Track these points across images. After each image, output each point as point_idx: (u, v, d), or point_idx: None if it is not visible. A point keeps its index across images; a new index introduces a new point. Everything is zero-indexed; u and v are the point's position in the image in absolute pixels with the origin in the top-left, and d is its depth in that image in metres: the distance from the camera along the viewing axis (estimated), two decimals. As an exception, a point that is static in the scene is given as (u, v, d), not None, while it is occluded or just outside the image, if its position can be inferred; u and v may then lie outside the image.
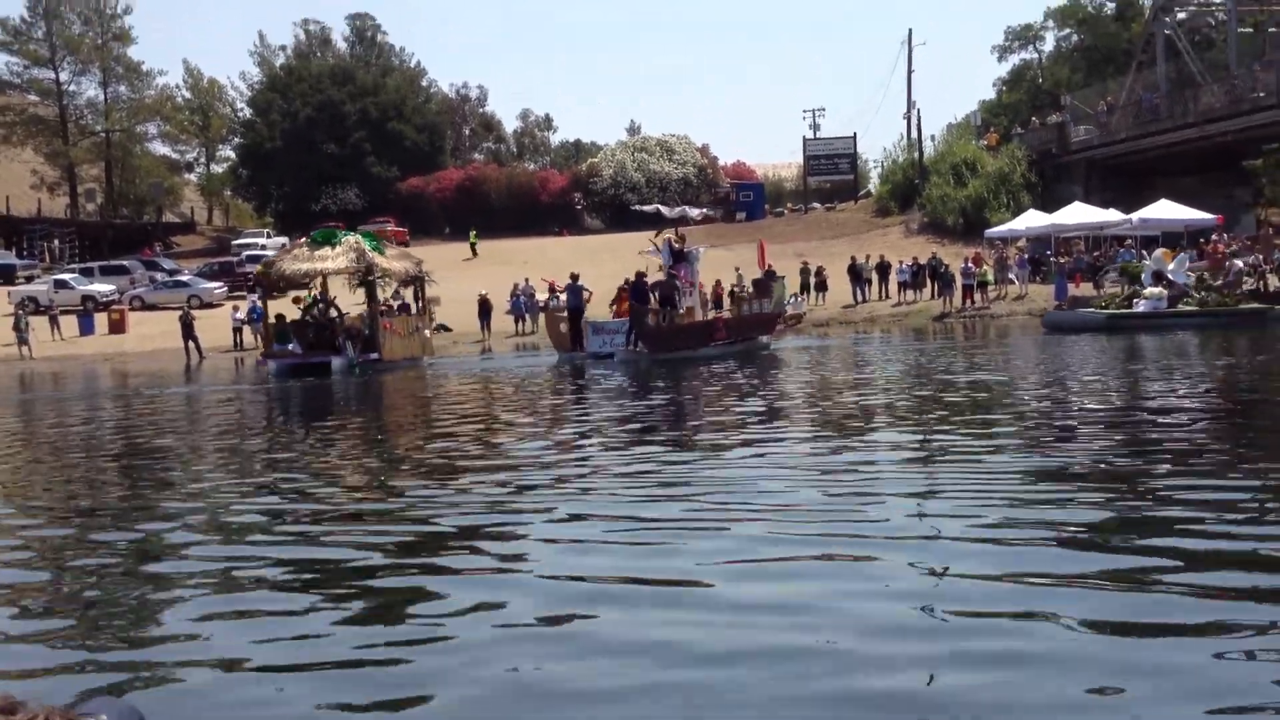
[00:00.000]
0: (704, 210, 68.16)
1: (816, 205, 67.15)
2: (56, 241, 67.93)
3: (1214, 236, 39.94)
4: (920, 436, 11.23)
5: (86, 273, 54.79)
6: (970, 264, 40.77)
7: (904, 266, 43.17)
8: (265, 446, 13.69)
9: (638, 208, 66.87)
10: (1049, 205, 47.02)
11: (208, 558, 7.10)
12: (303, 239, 31.21)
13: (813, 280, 43.86)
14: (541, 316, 36.98)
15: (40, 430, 16.91)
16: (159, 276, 55.23)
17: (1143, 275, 32.32)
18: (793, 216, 66.09)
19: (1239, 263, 33.64)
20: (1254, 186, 44.77)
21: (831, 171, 69.25)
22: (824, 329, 38.30)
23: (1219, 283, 31.95)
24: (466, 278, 47.05)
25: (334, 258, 28.65)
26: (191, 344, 38.09)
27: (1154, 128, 49.39)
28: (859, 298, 43.44)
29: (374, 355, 28.46)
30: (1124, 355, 21.24)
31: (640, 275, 27.68)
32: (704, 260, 30.63)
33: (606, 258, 44.46)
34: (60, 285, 50.72)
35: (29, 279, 55.89)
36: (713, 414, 14.91)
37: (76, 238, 69.96)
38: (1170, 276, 31.22)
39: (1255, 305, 30.53)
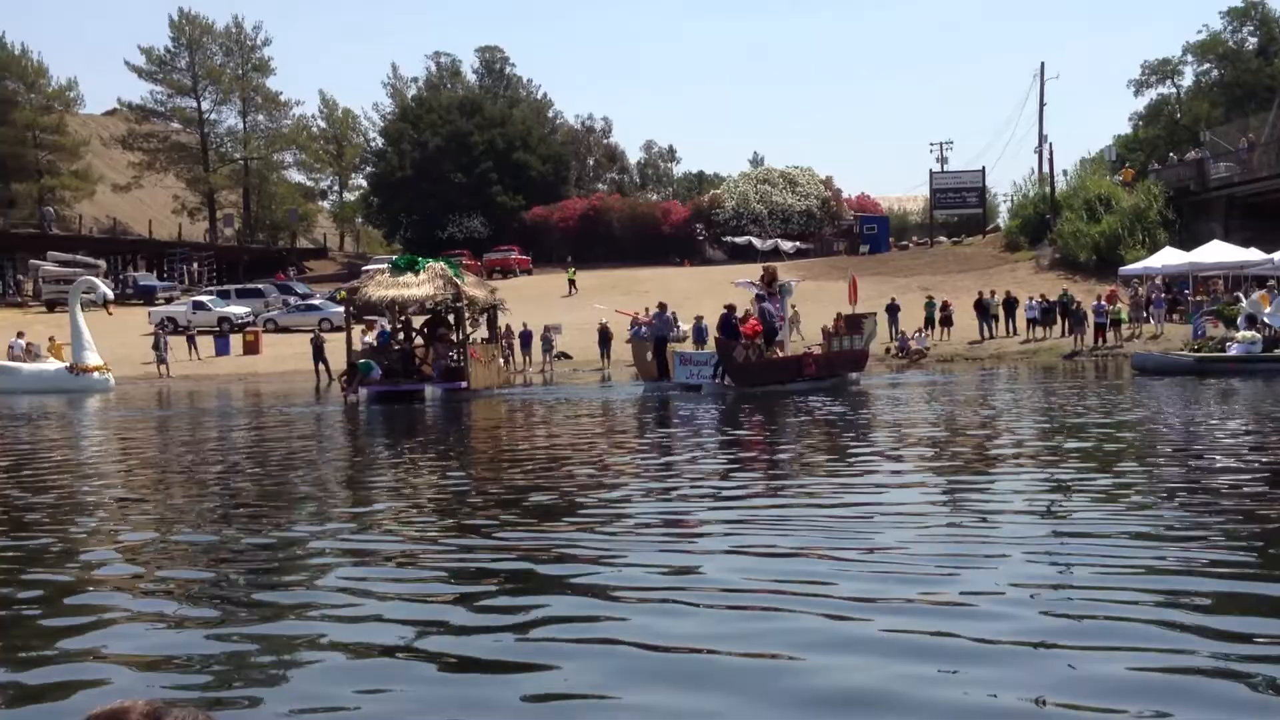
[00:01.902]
0: (797, 244, 67.60)
1: (943, 239, 66.13)
2: (195, 264, 70.43)
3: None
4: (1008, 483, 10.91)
5: (223, 295, 56.66)
6: (1104, 301, 39.67)
7: (1032, 303, 42.18)
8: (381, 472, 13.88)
9: (729, 239, 66.97)
10: (1187, 243, 45.53)
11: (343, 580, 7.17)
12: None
13: (938, 315, 43.09)
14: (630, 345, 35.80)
15: (165, 442, 17.42)
16: (292, 300, 56.73)
17: (1238, 319, 31.15)
18: (918, 250, 65.16)
19: None
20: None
21: (959, 205, 68.05)
22: (948, 364, 37.61)
23: None
24: (586, 306, 47.26)
25: (417, 284, 28.60)
26: (322, 366, 38.90)
27: (1297, 165, 47.66)
28: (985, 334, 42.58)
29: (463, 384, 28.28)
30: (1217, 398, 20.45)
31: (730, 308, 27.35)
32: (808, 294, 29.89)
33: (727, 288, 44.27)
34: (198, 307, 52.46)
35: (169, 300, 58.10)
36: (808, 452, 14.70)
37: (214, 261, 72.46)
38: (1266, 320, 29.95)
39: None
